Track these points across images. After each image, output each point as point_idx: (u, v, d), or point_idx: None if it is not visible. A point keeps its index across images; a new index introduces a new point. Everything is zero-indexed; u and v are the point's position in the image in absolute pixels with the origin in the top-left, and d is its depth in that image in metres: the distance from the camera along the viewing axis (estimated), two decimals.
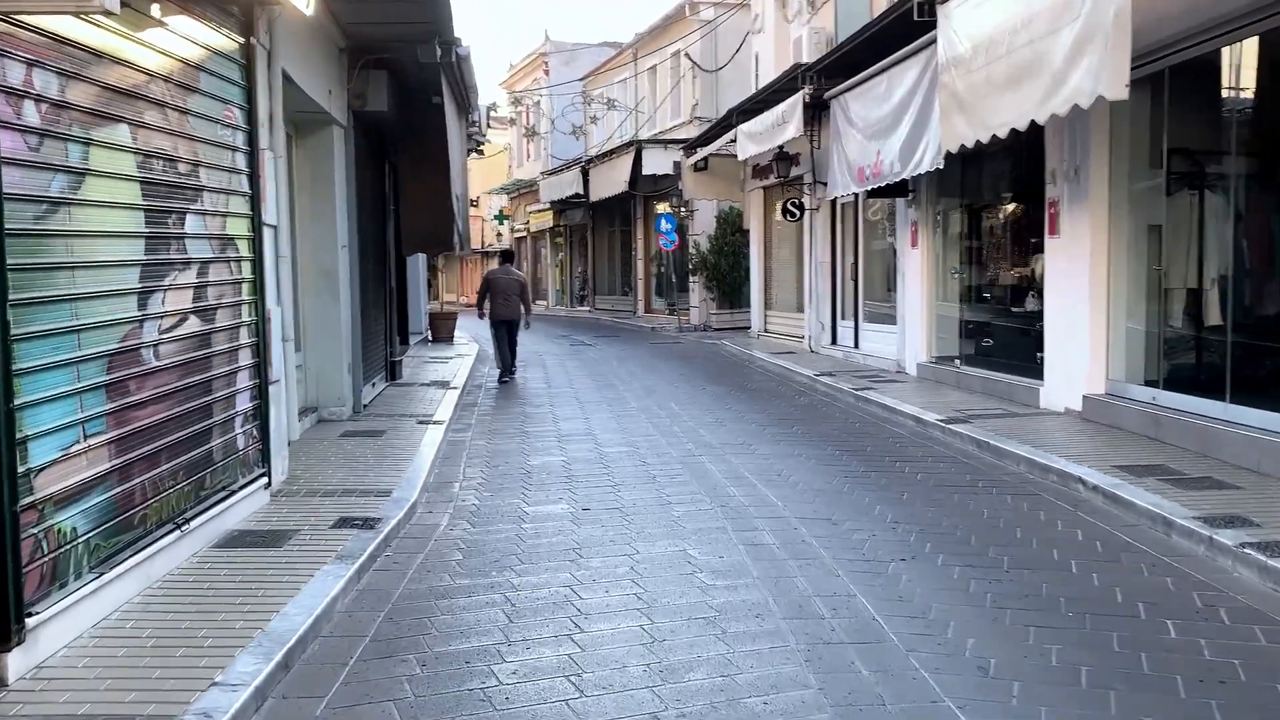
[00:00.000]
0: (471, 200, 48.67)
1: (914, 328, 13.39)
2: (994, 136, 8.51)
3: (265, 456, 6.59)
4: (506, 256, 15.75)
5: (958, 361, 12.39)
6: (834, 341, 16.60)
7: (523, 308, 14.64)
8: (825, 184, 16.29)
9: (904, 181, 12.61)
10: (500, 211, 43.41)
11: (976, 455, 8.56)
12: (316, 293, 9.84)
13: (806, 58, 15.89)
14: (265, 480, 6.57)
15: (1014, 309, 11.44)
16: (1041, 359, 10.35)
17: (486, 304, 14.55)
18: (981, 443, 8.68)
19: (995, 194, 12.19)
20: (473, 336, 22.24)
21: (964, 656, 4.34)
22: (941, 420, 9.67)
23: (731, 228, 23.85)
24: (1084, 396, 9.47)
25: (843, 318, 16.52)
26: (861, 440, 9.46)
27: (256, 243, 6.48)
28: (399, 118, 12.00)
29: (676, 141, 24.44)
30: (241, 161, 6.30)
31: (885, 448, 9.07)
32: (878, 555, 5.78)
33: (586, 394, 13.06)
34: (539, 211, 37.47)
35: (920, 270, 13.19)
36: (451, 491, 7.54)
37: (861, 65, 12.06)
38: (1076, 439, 8.56)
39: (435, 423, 9.95)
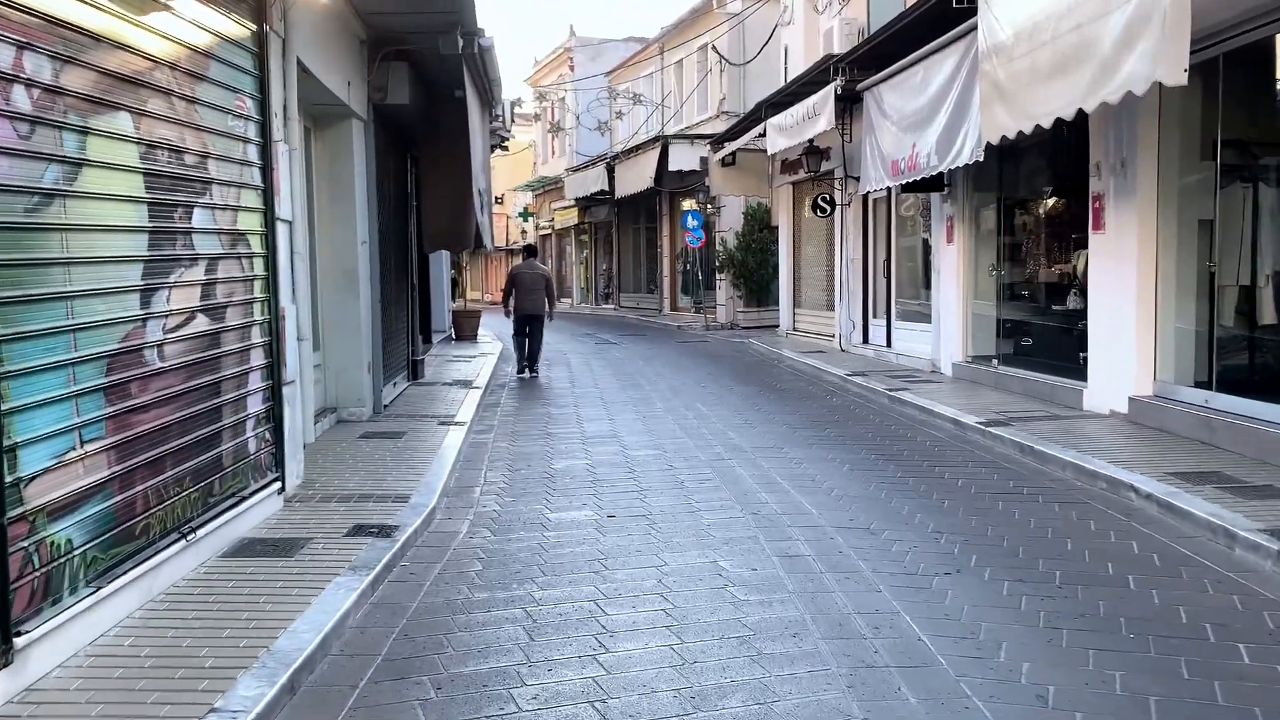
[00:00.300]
0: (496, 197, 48.84)
1: (949, 326, 13.00)
2: (1037, 127, 8.13)
3: (279, 460, 6.35)
4: (530, 252, 15.87)
5: (995, 361, 12.00)
6: (865, 340, 16.23)
7: (547, 303, 14.60)
8: (857, 178, 15.92)
9: (939, 176, 12.23)
10: (525, 208, 43.27)
11: (1019, 460, 8.20)
12: (336, 290, 9.60)
13: (837, 49, 15.53)
14: (279, 485, 6.33)
15: (1054, 307, 11.04)
16: (1084, 359, 9.96)
17: (511, 300, 14.57)
18: (1024, 447, 8.31)
19: (1034, 188, 11.78)
20: (496, 335, 22.00)
21: (1019, 683, 4.01)
22: (981, 423, 9.30)
23: (759, 224, 23.51)
24: (1130, 399, 9.08)
25: (874, 316, 16.15)
26: (898, 444, 9.11)
27: (269, 238, 6.23)
28: (420, 111, 11.76)
29: (703, 137, 24.11)
30: (253, 154, 6.05)
31: (923, 452, 8.72)
32: (921, 568, 5.45)
33: (611, 394, 12.77)
34: (564, 208, 37.24)
35: (956, 267, 12.80)
36: (472, 497, 7.26)
37: (895, 56, 11.69)
38: (1124, 443, 8.17)
39: (457, 424, 9.70)
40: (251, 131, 6.05)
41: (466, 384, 12.82)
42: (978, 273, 12.74)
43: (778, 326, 21.61)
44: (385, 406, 10.46)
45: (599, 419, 10.77)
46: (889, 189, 14.28)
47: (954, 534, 6.10)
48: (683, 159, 24.49)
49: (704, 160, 23.92)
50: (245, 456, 5.86)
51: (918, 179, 11.40)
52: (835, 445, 9.09)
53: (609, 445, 9.21)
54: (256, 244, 6.08)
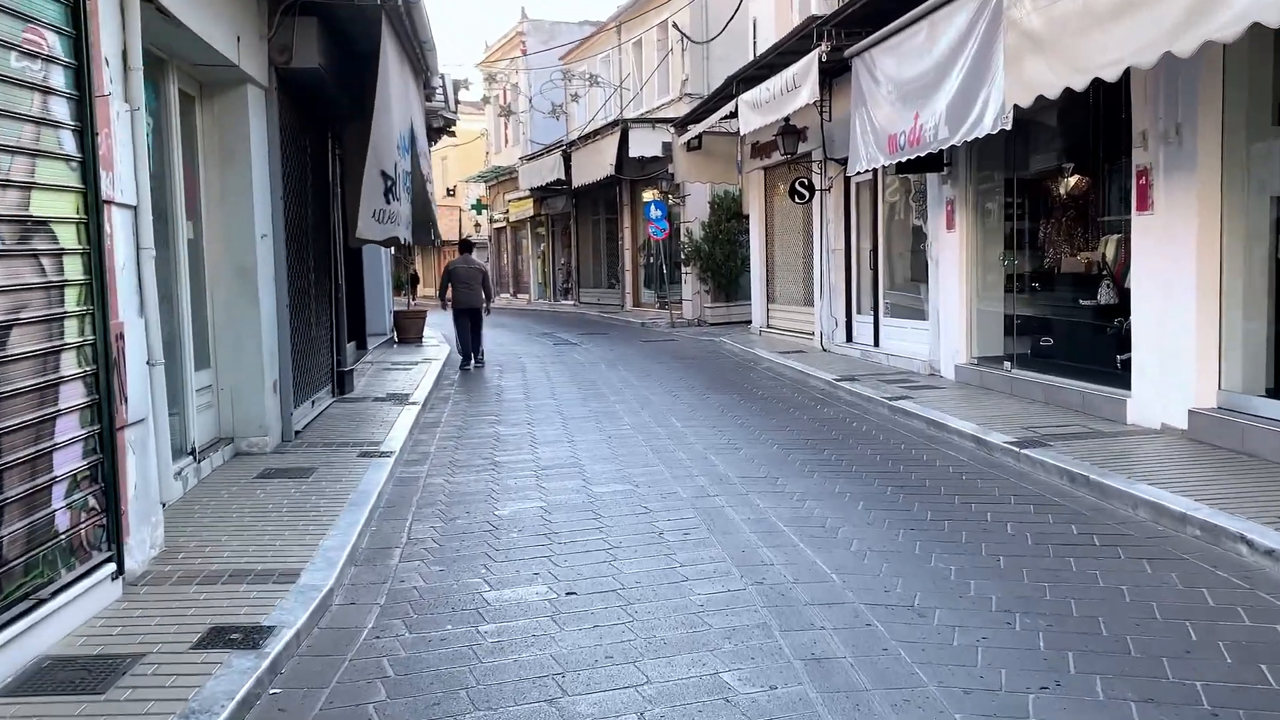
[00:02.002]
0: (448, 189, 46.96)
1: (950, 323, 11.51)
2: (1093, 82, 6.59)
3: (113, 534, 4.64)
4: (466, 247, 16.39)
5: (1007, 364, 10.51)
6: (849, 339, 14.71)
7: (484, 295, 15.15)
8: (840, 161, 14.39)
9: (938, 155, 10.75)
10: (478, 200, 41.37)
11: (1072, 494, 6.67)
12: (229, 294, 7.86)
13: (816, 12, 13.93)
14: (114, 567, 4.62)
15: (1082, 301, 9.56)
16: (1125, 363, 8.49)
17: (449, 293, 15.16)
18: (1075, 476, 6.79)
19: (1051, 164, 10.29)
20: (444, 336, 20.24)
21: None
22: (1011, 443, 7.79)
23: (727, 213, 21.97)
24: (1190, 411, 7.61)
25: (859, 312, 14.63)
26: (914, 470, 7.57)
27: (93, 229, 4.51)
28: (341, 81, 10.02)
29: (665, 120, 22.47)
30: (61, 110, 4.33)
31: (948, 481, 7.17)
32: (1004, 680, 3.88)
33: (572, 407, 11.13)
34: (518, 200, 35.45)
35: (958, 257, 11.30)
36: (388, 566, 5.58)
37: (891, 15, 10.12)
38: (1199, 471, 6.69)
39: (383, 454, 8.00)
40: (58, 79, 4.33)
41: (402, 398, 11.10)
42: (983, 263, 11.25)
43: (749, 323, 20.07)
44: (298, 433, 8.74)
45: (557, 441, 9.12)
46: (875, 171, 12.76)
47: (1028, 614, 4.55)
48: (644, 145, 22.83)
49: (667, 146, 22.26)
50: (50, 538, 4.15)
51: (920, 156, 9.85)
52: (839, 473, 7.52)
53: (568, 479, 7.57)
54: (68, 237, 4.37)
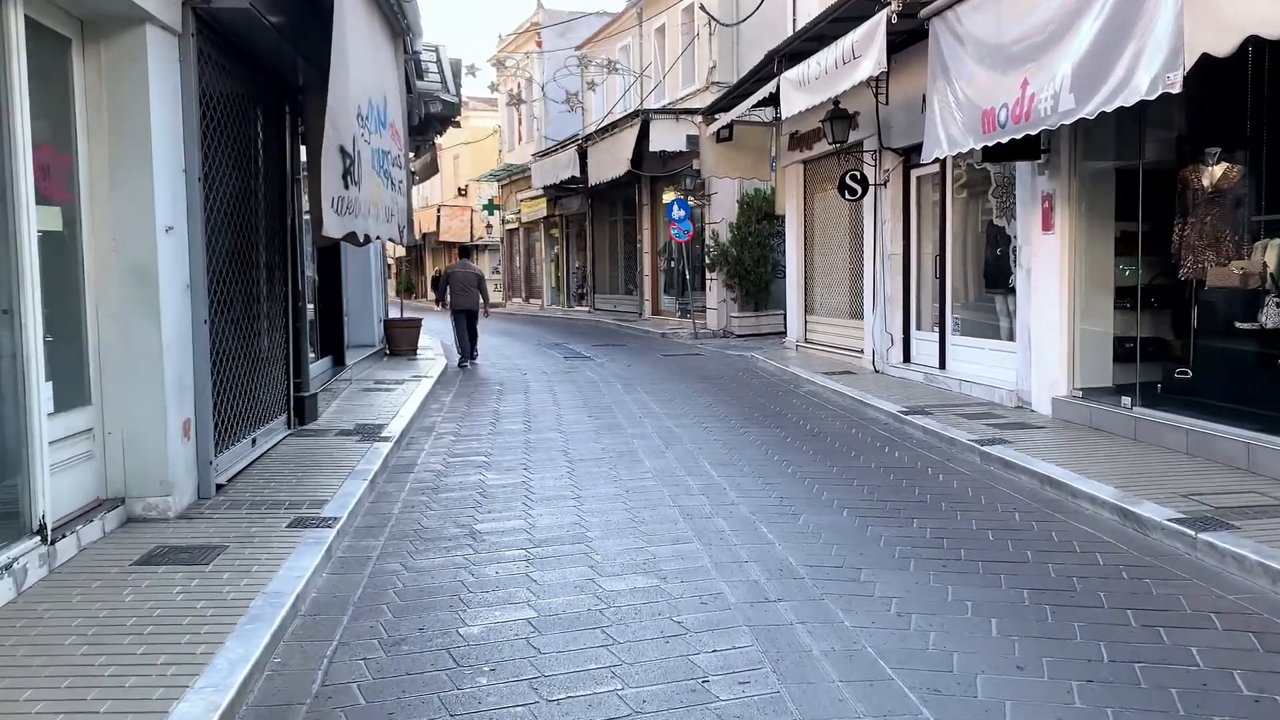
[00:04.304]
0: (460, 188, 45.02)
1: (1046, 346, 9.40)
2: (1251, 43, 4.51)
3: None
4: (464, 251, 17.60)
5: (1127, 400, 8.39)
6: (907, 359, 12.60)
7: (481, 298, 15.86)
8: (899, 150, 12.32)
9: (1034, 140, 8.70)
10: (490, 201, 39.40)
11: None
12: (119, 306, 5.85)
13: None
14: None
15: (1239, 324, 7.45)
16: None
17: (447, 296, 15.83)
18: None
19: (1186, 149, 8.19)
20: (442, 347, 18.26)
21: None
22: (1176, 520, 5.69)
23: (758, 214, 19.89)
24: None
25: (919, 328, 12.52)
26: (1048, 559, 5.47)
27: None
28: (299, 41, 8.03)
29: (690, 111, 20.43)
30: None
31: (1107, 584, 5.07)
32: None
33: (580, 443, 9.08)
34: (531, 199, 33.45)
35: (1058, 264, 9.20)
36: None
37: None
38: None
39: (324, 523, 5.96)
40: None
41: (373, 432, 9.07)
42: (1090, 272, 9.14)
43: (781, 335, 18.00)
44: (222, 486, 6.71)
45: (559, 497, 7.07)
46: (942, 161, 10.70)
47: None
48: (666, 138, 20.82)
49: (691, 140, 20.29)
50: None
51: (1016, 139, 7.76)
52: (943, 562, 5.44)
53: (571, 563, 5.50)
54: None
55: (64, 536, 5.17)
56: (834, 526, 6.20)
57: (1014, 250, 10.27)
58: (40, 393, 4.92)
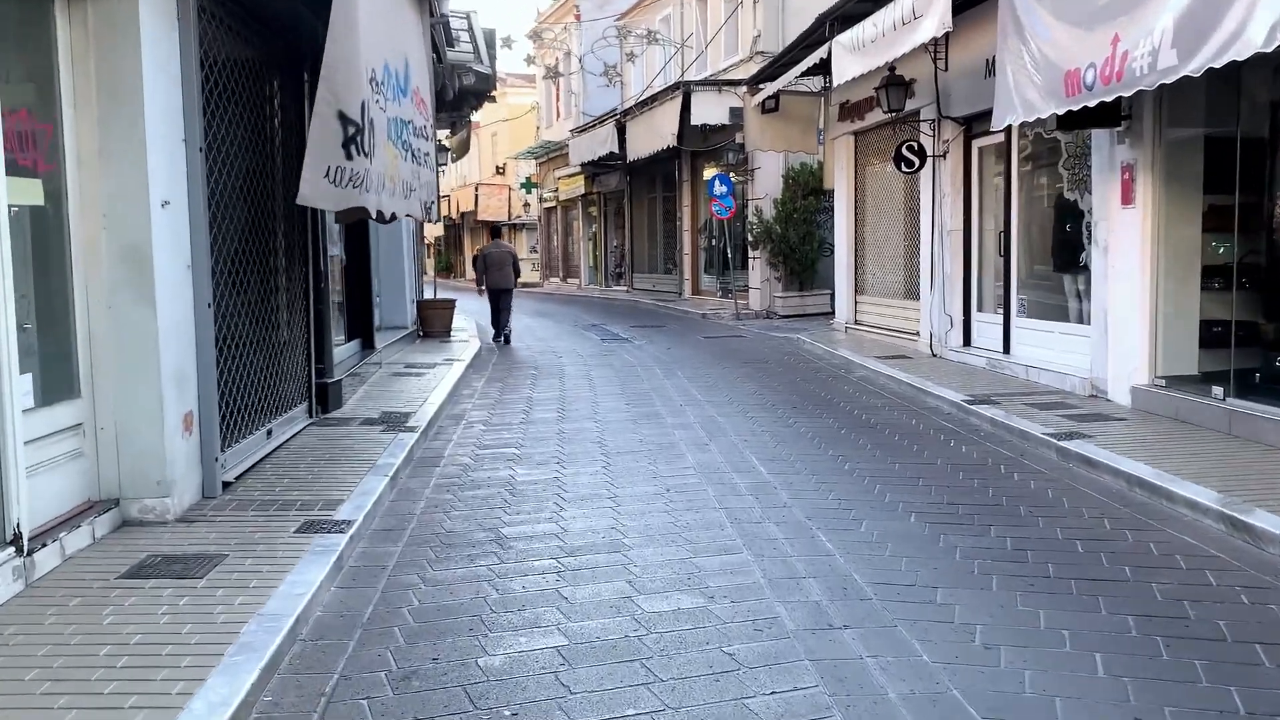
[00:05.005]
0: (498, 167, 44.48)
1: (1125, 329, 8.63)
2: None
3: None
4: (496, 232, 19.42)
5: (1219, 390, 7.62)
6: (967, 342, 11.84)
7: (514, 275, 16.47)
8: (959, 120, 11.53)
9: (1114, 105, 7.91)
10: (528, 179, 38.81)
11: None
12: (110, 289, 5.33)
13: None
14: None
15: None
16: None
17: (484, 278, 16.27)
18: None
19: None
20: (476, 327, 17.75)
21: None
22: None
23: (804, 189, 19.10)
24: None
25: (980, 309, 11.75)
26: (1149, 577, 4.77)
27: None
28: (322, 11, 7.43)
29: (734, 83, 19.66)
30: None
31: (1235, 615, 4.36)
32: None
33: (617, 434, 8.47)
34: (568, 177, 32.80)
35: (1139, 241, 8.41)
36: None
37: None
38: None
39: (337, 527, 5.41)
40: None
41: (399, 421, 8.53)
42: (1175, 249, 8.35)
43: (827, 316, 17.28)
44: (230, 483, 6.19)
45: (594, 496, 6.47)
46: (1008, 130, 9.93)
47: None
48: (708, 111, 20.03)
49: (734, 112, 19.55)
50: None
51: (1103, 101, 7.00)
52: (1029, 580, 4.76)
53: (607, 577, 4.89)
54: None
55: (45, 545, 4.66)
56: (901, 535, 5.55)
57: (1087, 226, 9.49)
58: (13, 386, 4.39)
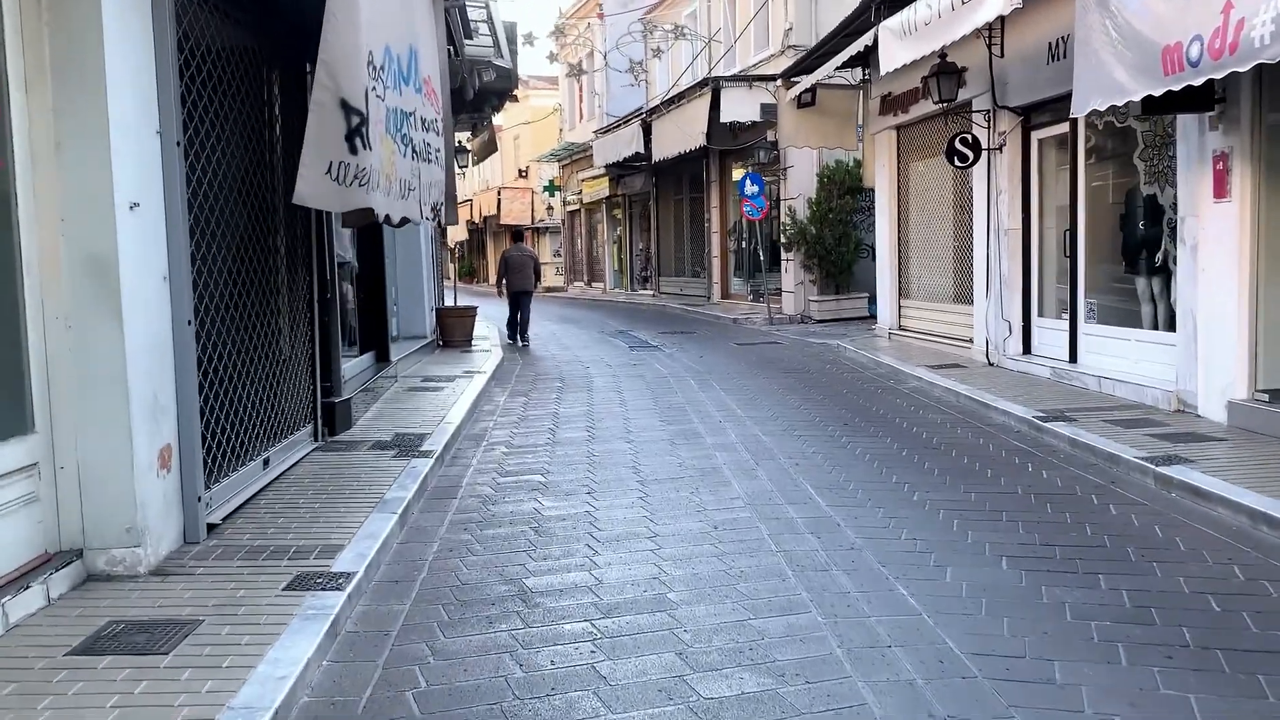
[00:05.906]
0: (520, 170, 43.80)
1: (1219, 338, 7.73)
2: None
3: None
4: (517, 235, 18.22)
5: None
6: (1027, 350, 10.95)
7: (535, 278, 16.67)
8: (1017, 110, 10.66)
9: (1206, 88, 7.04)
10: (551, 181, 38.09)
11: None
12: (73, 300, 4.57)
13: None
14: None
15: None
16: None
17: (504, 282, 16.49)
18: None
19: None
20: (499, 335, 17.02)
21: None
22: None
23: (840, 188, 18.23)
24: None
25: (1041, 314, 10.86)
26: None
27: None
28: None
29: (765, 78, 18.84)
30: None
31: None
32: None
33: (653, 458, 7.66)
34: (592, 179, 32.05)
35: (1237, 239, 7.52)
36: None
37: None
38: None
39: (333, 581, 4.62)
40: None
41: (413, 444, 7.75)
42: (1276, 248, 7.46)
43: (864, 320, 16.46)
44: (219, 523, 5.43)
45: (631, 538, 5.65)
46: (1074, 121, 9.10)
47: None
48: (738, 108, 19.22)
49: (766, 109, 18.77)
50: None
51: (1214, 79, 6.13)
52: (1171, 652, 3.92)
53: (650, 647, 4.08)
54: None
55: (10, 598, 3.91)
56: (995, 586, 4.70)
57: (1169, 223, 8.60)
58: None
